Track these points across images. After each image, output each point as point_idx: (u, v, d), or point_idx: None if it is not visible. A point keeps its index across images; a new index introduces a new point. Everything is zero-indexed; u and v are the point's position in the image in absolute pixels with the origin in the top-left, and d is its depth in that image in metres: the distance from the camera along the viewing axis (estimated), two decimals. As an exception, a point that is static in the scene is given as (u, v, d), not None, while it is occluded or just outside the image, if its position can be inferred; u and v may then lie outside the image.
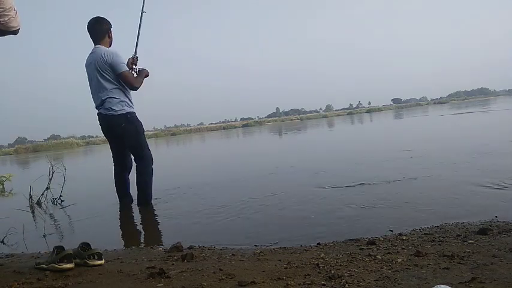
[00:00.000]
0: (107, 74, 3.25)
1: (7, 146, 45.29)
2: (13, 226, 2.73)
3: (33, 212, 3.85)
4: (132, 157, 3.57)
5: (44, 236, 2.73)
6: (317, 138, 12.76)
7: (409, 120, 17.31)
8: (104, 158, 15.46)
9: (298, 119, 58.47)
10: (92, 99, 3.41)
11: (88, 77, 3.36)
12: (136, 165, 3.48)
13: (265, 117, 78.67)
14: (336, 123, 25.35)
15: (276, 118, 66.54)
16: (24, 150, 33.45)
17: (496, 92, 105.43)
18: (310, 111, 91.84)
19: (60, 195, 4.26)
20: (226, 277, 1.49)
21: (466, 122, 11.80)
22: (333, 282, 1.35)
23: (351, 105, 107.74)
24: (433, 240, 1.80)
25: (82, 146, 36.47)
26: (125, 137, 3.38)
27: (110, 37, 3.40)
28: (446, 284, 1.20)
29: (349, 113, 57.55)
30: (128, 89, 3.38)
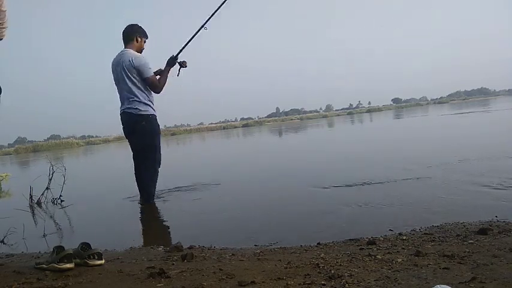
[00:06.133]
0: (133, 77, 3.42)
1: (7, 146, 45.26)
2: (13, 226, 2.73)
3: (33, 212, 3.85)
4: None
5: (44, 236, 2.73)
6: (317, 139, 12.77)
7: (408, 120, 17.31)
8: (103, 158, 15.47)
9: (298, 119, 58.44)
10: (118, 98, 3.56)
11: (114, 77, 3.53)
12: (143, 164, 3.54)
13: (265, 117, 78.58)
14: (335, 123, 25.35)
15: (276, 118, 66.50)
16: (24, 150, 33.46)
17: (496, 91, 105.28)
18: (310, 111, 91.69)
19: (60, 195, 4.26)
20: (226, 277, 1.49)
21: (466, 121, 11.80)
22: (333, 282, 1.35)
23: (351, 105, 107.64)
24: (433, 240, 1.80)
25: (82, 146, 36.47)
26: (141, 134, 3.49)
27: (138, 42, 3.54)
28: (446, 284, 1.20)
29: (349, 113, 57.55)
30: (151, 93, 3.55)
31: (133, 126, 3.49)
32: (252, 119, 72.89)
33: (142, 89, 3.48)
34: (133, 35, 3.52)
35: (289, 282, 1.38)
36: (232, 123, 63.23)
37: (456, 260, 1.49)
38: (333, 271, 1.45)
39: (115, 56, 3.54)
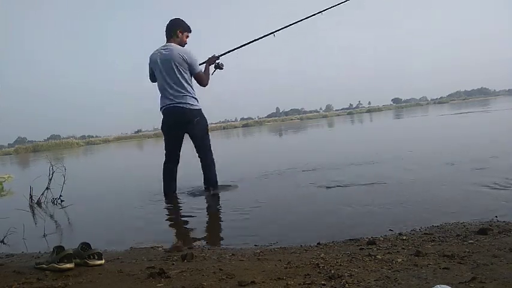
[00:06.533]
0: (184, 73, 3.54)
1: (7, 146, 45.25)
2: (13, 226, 2.73)
3: (33, 212, 3.85)
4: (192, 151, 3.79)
5: (44, 236, 2.73)
6: (317, 139, 12.77)
7: (408, 121, 17.32)
8: (104, 158, 15.47)
9: (298, 119, 58.46)
10: (160, 91, 3.63)
11: (158, 70, 3.57)
12: (202, 158, 3.72)
13: (265, 117, 78.53)
14: (336, 123, 25.35)
15: (276, 118, 66.50)
16: (24, 150, 33.45)
17: (496, 91, 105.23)
18: (310, 111, 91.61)
19: (60, 195, 4.26)
20: (226, 277, 1.49)
21: (465, 121, 11.80)
22: (333, 282, 1.35)
23: (351, 105, 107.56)
24: (433, 240, 1.80)
25: (82, 146, 36.47)
26: (196, 130, 3.64)
27: (180, 37, 3.63)
28: (446, 284, 1.20)
29: (349, 113, 57.57)
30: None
31: (184, 122, 3.57)
32: (252, 119, 72.88)
33: (192, 84, 3.61)
34: (176, 28, 3.60)
35: (289, 282, 1.38)
36: (232, 123, 63.14)
37: (456, 260, 1.49)
38: (333, 271, 1.45)
39: (157, 51, 3.58)
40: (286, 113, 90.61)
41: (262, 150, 9.89)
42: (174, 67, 3.49)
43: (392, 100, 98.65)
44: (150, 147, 19.55)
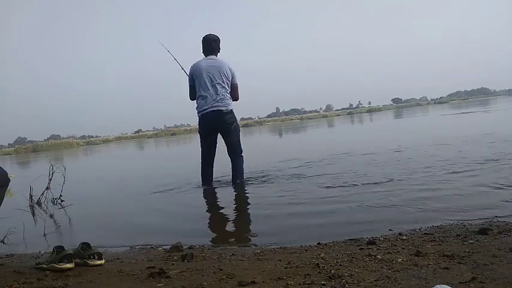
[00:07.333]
0: (227, 82, 4.00)
1: (7, 145, 45.29)
2: (13, 226, 2.73)
3: (33, 212, 3.85)
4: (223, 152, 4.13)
5: (44, 235, 2.73)
6: (317, 138, 12.77)
7: (409, 120, 17.32)
8: (104, 158, 15.47)
9: (298, 119, 58.43)
10: (204, 96, 3.97)
11: (204, 77, 3.93)
12: (235, 159, 4.08)
13: (265, 117, 78.45)
14: (336, 123, 25.35)
15: (276, 118, 66.48)
16: (24, 150, 33.42)
17: (496, 92, 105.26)
18: (310, 111, 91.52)
19: (60, 195, 4.26)
20: (226, 277, 1.49)
21: (466, 121, 11.80)
22: (333, 282, 1.36)
23: (351, 105, 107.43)
24: (433, 240, 1.80)
25: (82, 146, 36.47)
26: (233, 137, 4.06)
27: (220, 52, 4.13)
28: (446, 284, 1.20)
29: (349, 113, 57.55)
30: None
31: (223, 124, 3.97)
32: (252, 119, 72.78)
33: (230, 93, 4.03)
34: (219, 44, 4.08)
35: (289, 282, 1.38)
36: (233, 123, 62.90)
37: (456, 260, 1.49)
38: (333, 271, 1.46)
39: (201, 62, 3.99)
40: (286, 113, 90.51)
41: (260, 150, 9.89)
42: (223, 76, 3.94)
43: (392, 100, 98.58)
44: (151, 148, 19.55)
